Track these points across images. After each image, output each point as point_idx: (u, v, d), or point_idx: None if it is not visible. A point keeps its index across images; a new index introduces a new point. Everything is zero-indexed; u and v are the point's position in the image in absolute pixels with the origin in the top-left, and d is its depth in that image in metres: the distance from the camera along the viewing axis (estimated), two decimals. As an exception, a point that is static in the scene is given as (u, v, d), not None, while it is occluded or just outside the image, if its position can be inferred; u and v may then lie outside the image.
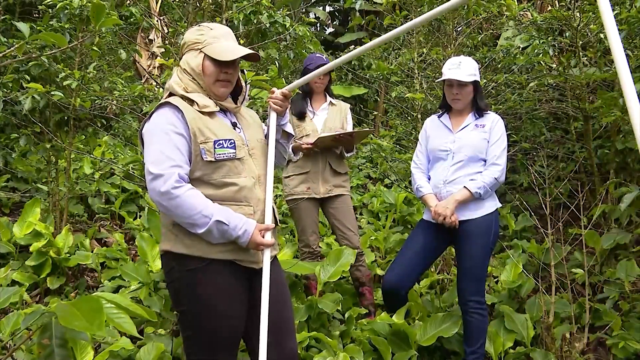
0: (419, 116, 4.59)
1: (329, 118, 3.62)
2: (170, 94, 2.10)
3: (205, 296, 2.01)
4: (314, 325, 3.21)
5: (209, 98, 2.10)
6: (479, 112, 3.09)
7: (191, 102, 2.06)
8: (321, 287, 3.40)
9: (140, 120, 7.27)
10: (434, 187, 3.13)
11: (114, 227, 5.31)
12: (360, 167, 7.90)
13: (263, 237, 2.00)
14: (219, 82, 2.10)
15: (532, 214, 3.79)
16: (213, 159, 2.01)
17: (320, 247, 3.75)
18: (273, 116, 2.28)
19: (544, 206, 3.56)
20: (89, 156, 5.49)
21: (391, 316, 3.16)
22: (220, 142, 2.03)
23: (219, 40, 2.08)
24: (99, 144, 7.03)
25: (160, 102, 2.07)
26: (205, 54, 2.06)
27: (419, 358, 3.13)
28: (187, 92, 2.07)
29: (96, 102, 4.64)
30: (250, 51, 2.07)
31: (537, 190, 3.82)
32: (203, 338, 2.06)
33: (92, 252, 4.30)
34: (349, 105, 3.83)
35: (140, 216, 5.32)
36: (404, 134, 6.11)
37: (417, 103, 4.70)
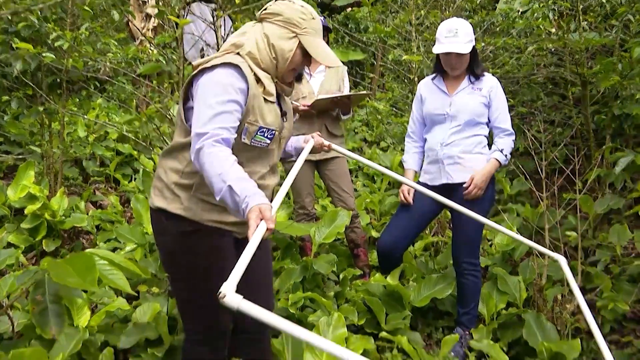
0: (416, 79, 4.55)
1: (325, 80, 3.58)
2: (236, 53, 1.96)
3: (200, 257, 2.01)
4: (308, 286, 3.24)
5: (273, 82, 2.02)
6: (475, 75, 3.06)
7: (257, 78, 1.96)
8: (316, 249, 3.41)
9: (135, 83, 7.23)
10: (429, 149, 3.11)
11: (109, 189, 5.31)
12: (356, 130, 7.87)
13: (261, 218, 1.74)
14: (292, 71, 2.05)
15: (528, 177, 3.79)
16: (249, 143, 1.94)
17: (315, 209, 3.76)
18: (309, 146, 2.29)
19: (539, 170, 3.56)
20: (83, 117, 5.45)
21: (385, 277, 3.19)
22: (264, 130, 1.95)
23: (317, 35, 2.00)
24: (92, 107, 6.99)
25: (227, 58, 1.90)
26: (300, 42, 1.98)
27: (413, 319, 3.17)
28: (260, 66, 1.97)
29: (89, 64, 4.58)
30: (340, 64, 2.08)
31: (534, 155, 3.81)
32: (199, 300, 2.06)
33: (87, 214, 4.31)
34: (345, 68, 3.79)
35: (135, 179, 5.32)
36: (400, 97, 6.07)
37: (414, 66, 4.65)
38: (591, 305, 3.38)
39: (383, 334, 2.92)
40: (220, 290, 1.37)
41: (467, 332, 3.07)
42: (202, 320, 2.09)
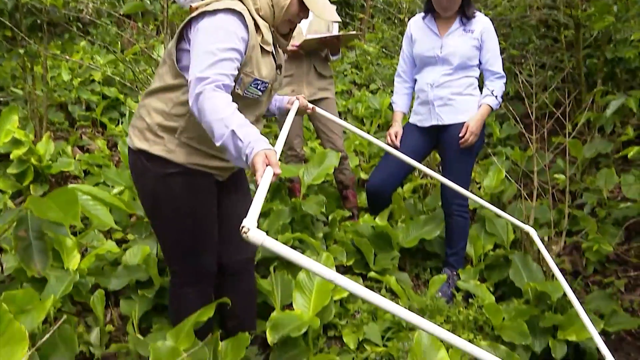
0: (406, 19, 4.46)
1: (314, 21, 3.49)
2: None
3: (182, 199, 1.99)
4: (297, 227, 3.25)
5: (270, 32, 1.98)
6: (467, 16, 2.99)
7: (256, 27, 1.91)
8: (305, 190, 3.41)
9: (119, 26, 7.04)
10: (420, 91, 3.08)
11: (96, 134, 5.24)
12: (345, 73, 7.75)
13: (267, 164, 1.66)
14: (289, 22, 2.01)
15: (519, 121, 3.77)
16: (241, 93, 1.91)
17: (304, 150, 3.74)
18: (294, 108, 2.30)
19: (530, 113, 3.54)
20: (66, 59, 5.32)
21: (374, 218, 3.20)
22: (258, 82, 1.92)
23: None
24: (76, 50, 6.83)
25: (229, 4, 1.84)
26: None
27: (401, 259, 3.21)
28: (259, 14, 1.93)
29: (70, 4, 4.43)
30: (339, 19, 2.07)
31: (524, 97, 3.78)
32: (182, 242, 2.07)
33: (74, 159, 4.26)
34: (334, 7, 3.69)
35: (122, 122, 5.24)
36: (390, 39, 5.97)
37: (404, 6, 4.55)
38: (576, 247, 3.44)
39: (371, 274, 2.96)
40: (243, 225, 1.32)
41: (455, 273, 3.11)
42: (187, 261, 2.10)
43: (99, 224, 3.13)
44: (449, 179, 3.04)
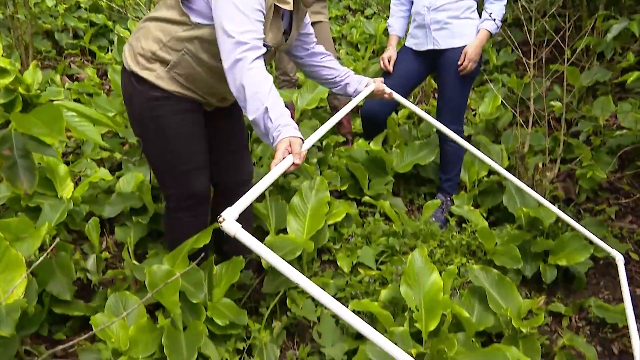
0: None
1: None
2: None
3: (169, 120, 1.99)
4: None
5: None
6: None
7: None
8: (298, 115, 3.37)
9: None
10: (416, 13, 2.99)
11: (85, 62, 5.13)
12: (339, -2, 7.54)
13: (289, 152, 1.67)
14: None
15: (517, 46, 3.69)
16: None
17: (297, 75, 3.67)
18: (367, 90, 2.32)
19: (528, 38, 3.46)
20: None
21: (369, 143, 3.18)
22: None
23: None
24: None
25: None
26: None
27: (395, 184, 3.21)
28: None
29: None
30: None
31: (523, 22, 3.68)
32: (172, 165, 2.06)
33: (63, 88, 4.18)
34: None
35: (111, 50, 5.11)
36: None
37: None
38: (570, 175, 3.45)
39: (365, 199, 2.97)
40: (221, 214, 1.41)
41: (449, 198, 3.12)
42: (179, 185, 2.10)
43: (90, 140, 3.10)
44: (444, 105, 3.02)
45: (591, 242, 2.59)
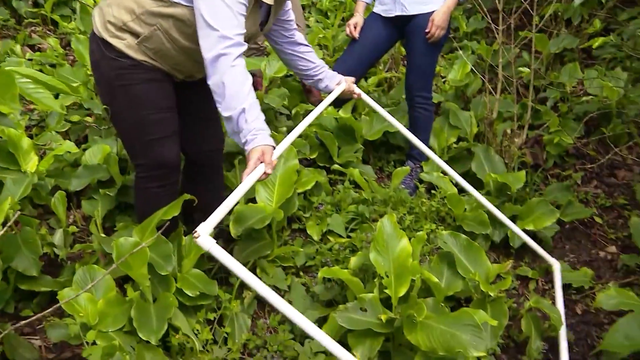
0: None
1: None
2: None
3: (138, 88, 1.96)
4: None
5: None
6: None
7: None
8: (267, 83, 3.32)
9: None
10: None
11: (47, 32, 4.96)
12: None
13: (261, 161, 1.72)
14: None
15: (486, 14, 3.68)
16: None
17: (266, 43, 3.61)
18: (338, 90, 2.36)
19: (497, 5, 3.44)
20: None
21: (338, 111, 3.16)
22: None
23: None
24: None
25: None
26: None
27: (365, 152, 3.20)
28: None
29: None
30: None
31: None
32: (141, 133, 2.02)
33: (24, 58, 4.05)
34: None
35: (74, 19, 4.95)
36: None
37: None
38: (538, 141, 3.49)
39: (335, 167, 2.96)
40: (195, 230, 1.45)
41: (418, 165, 3.13)
42: (148, 154, 2.06)
43: (45, 107, 3.03)
44: (413, 72, 3.01)
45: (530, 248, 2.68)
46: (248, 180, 1.66)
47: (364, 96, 2.50)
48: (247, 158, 1.71)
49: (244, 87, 1.72)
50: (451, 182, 2.99)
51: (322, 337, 1.54)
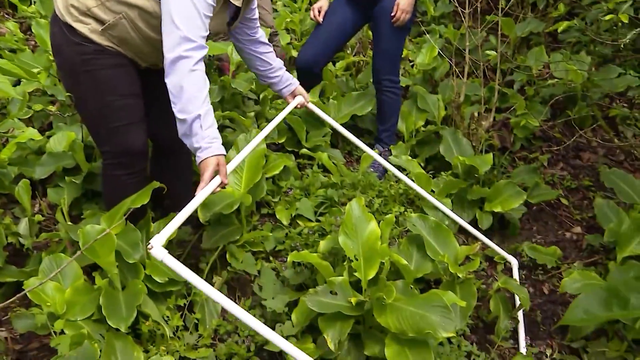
0: None
1: None
2: None
3: (103, 73, 1.92)
4: (227, 106, 3.17)
5: None
6: None
7: None
8: (234, 68, 3.28)
9: None
10: None
11: (5, 16, 4.82)
12: None
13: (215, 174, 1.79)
14: None
15: (452, -1, 3.71)
16: None
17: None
18: (293, 104, 2.47)
19: (463, -12, 3.47)
20: None
21: (306, 96, 3.15)
22: None
23: None
24: None
25: None
26: None
27: (333, 136, 3.20)
28: None
29: None
30: None
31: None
32: (108, 119, 1.98)
33: (-19, 43, 3.93)
34: None
35: (34, 2, 4.82)
36: None
37: None
38: (505, 124, 3.53)
39: (304, 151, 2.96)
40: (149, 242, 1.53)
41: (387, 149, 3.15)
42: (115, 141, 2.03)
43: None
44: (380, 55, 3.01)
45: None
46: (204, 192, 1.73)
47: (311, 105, 2.60)
48: (202, 168, 1.76)
49: (201, 93, 1.75)
50: (419, 164, 3.02)
51: (277, 339, 1.62)
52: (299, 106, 2.52)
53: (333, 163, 2.91)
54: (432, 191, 2.81)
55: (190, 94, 1.72)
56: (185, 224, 2.24)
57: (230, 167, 1.83)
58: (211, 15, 1.79)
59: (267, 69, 2.38)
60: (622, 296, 1.97)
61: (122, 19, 1.83)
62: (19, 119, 3.11)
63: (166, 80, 1.76)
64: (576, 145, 3.51)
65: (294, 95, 2.50)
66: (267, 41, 2.34)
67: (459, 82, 3.40)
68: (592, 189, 3.17)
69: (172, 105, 1.76)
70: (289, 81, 2.47)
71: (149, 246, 1.54)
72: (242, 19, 2.17)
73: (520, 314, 2.32)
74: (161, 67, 2.05)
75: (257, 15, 2.22)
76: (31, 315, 1.88)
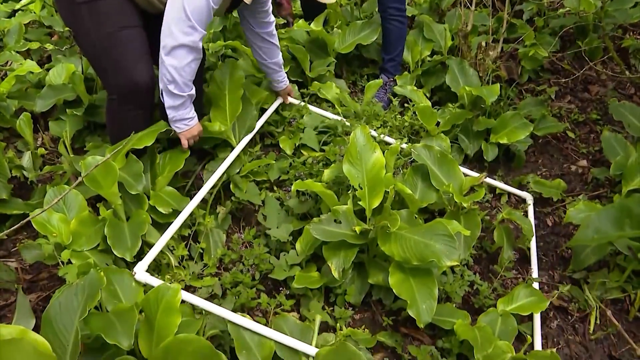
0: None
1: None
2: None
3: (106, 4, 1.90)
4: (229, 36, 3.12)
5: None
6: None
7: None
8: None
9: None
10: None
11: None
12: None
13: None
14: None
15: None
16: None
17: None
18: (275, 105, 2.66)
19: None
20: None
21: (309, 24, 3.07)
22: None
23: None
24: None
25: None
26: None
27: (337, 65, 3.14)
28: None
29: None
30: None
31: None
32: (113, 52, 1.95)
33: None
34: None
35: None
36: None
37: None
38: (513, 56, 3.45)
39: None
40: (134, 270, 1.76)
41: (392, 79, 3.09)
42: (120, 76, 2.00)
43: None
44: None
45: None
46: (180, 217, 1.98)
47: (291, 99, 2.73)
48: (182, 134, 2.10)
49: (193, 77, 1.99)
50: (425, 95, 2.97)
51: (263, 330, 1.69)
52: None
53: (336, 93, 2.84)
54: (438, 123, 2.76)
55: (186, 78, 1.95)
56: (191, 154, 2.24)
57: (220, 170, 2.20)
58: (217, 7, 1.92)
59: (262, 64, 2.53)
60: (635, 214, 1.94)
61: None
62: (17, 51, 3.06)
63: (165, 58, 1.89)
64: (585, 78, 3.43)
65: (285, 93, 2.68)
66: (275, 41, 2.45)
67: (466, 11, 3.30)
68: (600, 122, 3.12)
69: (169, 83, 1.93)
70: (280, 79, 2.61)
71: (134, 273, 1.75)
72: (256, 20, 2.32)
73: (533, 243, 2.31)
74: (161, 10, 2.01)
75: (268, 18, 2.34)
76: (38, 246, 1.90)
